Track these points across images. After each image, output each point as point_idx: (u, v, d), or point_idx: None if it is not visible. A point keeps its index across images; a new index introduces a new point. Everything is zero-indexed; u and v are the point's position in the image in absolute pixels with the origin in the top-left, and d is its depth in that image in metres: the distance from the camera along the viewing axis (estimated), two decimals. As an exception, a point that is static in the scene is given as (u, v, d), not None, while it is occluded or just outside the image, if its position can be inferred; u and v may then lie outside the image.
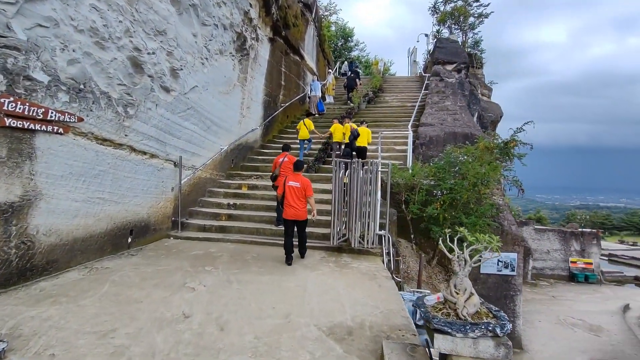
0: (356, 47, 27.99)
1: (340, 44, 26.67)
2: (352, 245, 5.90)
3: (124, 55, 5.48)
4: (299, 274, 4.85)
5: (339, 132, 9.09)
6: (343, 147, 8.91)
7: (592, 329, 9.98)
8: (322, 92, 14.47)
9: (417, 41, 20.75)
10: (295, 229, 5.49)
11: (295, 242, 5.55)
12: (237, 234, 6.80)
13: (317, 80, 14.62)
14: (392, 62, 23.71)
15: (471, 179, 6.62)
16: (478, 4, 17.87)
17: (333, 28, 24.39)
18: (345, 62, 19.79)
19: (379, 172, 6.05)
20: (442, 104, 10.88)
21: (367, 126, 9.18)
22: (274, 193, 8.27)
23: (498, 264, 7.91)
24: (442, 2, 19.46)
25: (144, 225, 6.11)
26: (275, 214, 7.15)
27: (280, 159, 6.82)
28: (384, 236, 6.35)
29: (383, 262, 5.90)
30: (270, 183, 8.62)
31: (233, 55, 9.02)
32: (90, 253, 4.94)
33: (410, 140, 8.72)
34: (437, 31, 18.95)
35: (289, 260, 5.31)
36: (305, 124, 9.84)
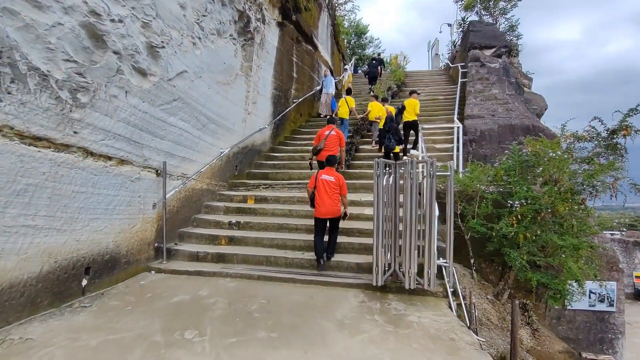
0: (370, 44, 26.26)
1: (353, 40, 25.00)
2: (408, 286, 4.03)
3: (75, 21, 3.84)
4: (333, 344, 3.02)
5: (376, 110, 8.39)
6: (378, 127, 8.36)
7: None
8: (337, 89, 12.78)
9: (440, 32, 19.05)
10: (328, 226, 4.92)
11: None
12: (240, 265, 5.03)
13: (332, 75, 12.93)
14: (409, 61, 21.87)
15: (566, 183, 4.70)
16: (509, -14, 15.97)
17: (346, 24, 22.75)
18: (351, 62, 17.90)
19: (435, 177, 4.18)
20: (488, 92, 8.96)
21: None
22: (288, 207, 6.51)
23: (590, 297, 5.90)
24: (467, -13, 17.62)
25: (110, 259, 4.39)
26: (289, 236, 5.36)
27: (327, 132, 6.31)
28: (445, 268, 4.48)
29: (451, 309, 4.02)
30: (284, 195, 6.93)
31: (234, 39, 7.38)
32: (11, 312, 3.23)
33: (460, 136, 6.84)
34: (463, 19, 17.06)
35: (320, 264, 4.79)
36: (346, 101, 8.92)
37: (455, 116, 7.88)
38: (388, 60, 23.38)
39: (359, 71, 22.91)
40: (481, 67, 9.93)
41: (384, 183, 4.24)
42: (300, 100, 10.42)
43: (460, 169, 6.60)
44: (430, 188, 4.01)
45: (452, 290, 4.30)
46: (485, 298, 5.62)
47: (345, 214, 5.12)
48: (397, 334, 3.24)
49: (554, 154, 4.91)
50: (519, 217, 4.97)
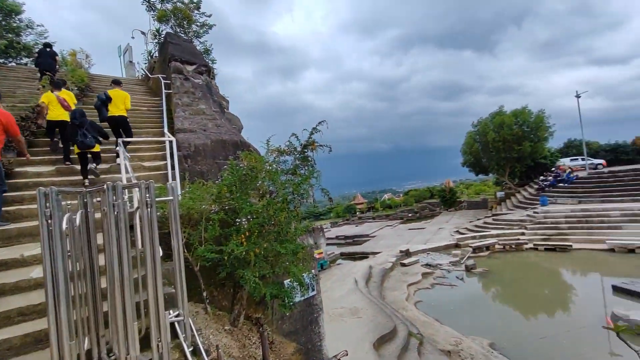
0: (30, 30, 19.26)
1: (-3, 18, 17.31)
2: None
3: None
4: None
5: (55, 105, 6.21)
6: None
7: (354, 312, 11.37)
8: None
9: (132, 37, 16.85)
10: None
11: None
12: None
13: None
14: (93, 63, 17.91)
15: (281, 193, 5.02)
16: (200, 12, 16.90)
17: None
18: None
19: (155, 205, 3.04)
20: (197, 106, 8.64)
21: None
22: None
23: (301, 289, 6.84)
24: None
25: None
26: None
27: None
28: (180, 323, 3.42)
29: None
30: None
31: None
32: None
33: (174, 151, 5.89)
34: (157, 30, 16.15)
35: None
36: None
37: (166, 129, 6.88)
38: (64, 56, 18.11)
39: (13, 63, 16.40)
40: (186, 81, 9.50)
41: (64, 225, 2.55)
42: None
43: (179, 190, 5.69)
44: (150, 221, 2.83)
45: (191, 349, 3.32)
46: (223, 331, 5.05)
47: None
48: None
49: (269, 167, 5.19)
50: (247, 233, 4.82)
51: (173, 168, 6.08)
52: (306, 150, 5.59)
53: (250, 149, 7.45)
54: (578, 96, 31.21)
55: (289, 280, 5.24)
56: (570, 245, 18.92)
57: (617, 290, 12.45)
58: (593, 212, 21.38)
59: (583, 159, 32.13)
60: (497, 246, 20.59)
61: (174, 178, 5.97)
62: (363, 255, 22.39)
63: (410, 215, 44.41)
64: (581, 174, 29.00)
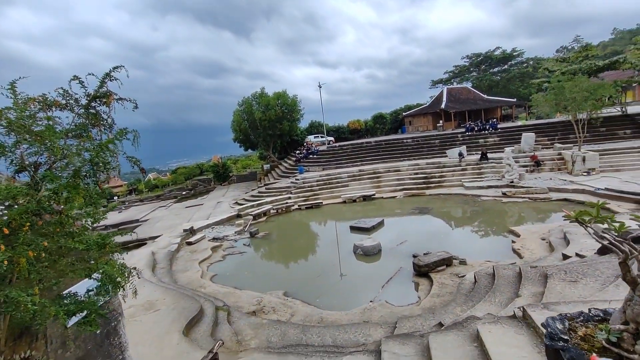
0: None
1: None
2: None
3: None
4: None
5: None
6: None
7: (148, 307, 9.71)
8: None
9: None
10: None
11: None
12: None
13: None
14: None
15: (68, 163, 3.33)
16: None
17: None
18: None
19: None
20: None
21: None
22: None
23: (88, 293, 5.05)
24: None
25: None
26: None
27: None
28: None
29: None
30: None
31: None
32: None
33: None
34: None
35: None
36: None
37: None
38: None
39: None
40: None
41: None
42: None
43: None
44: None
45: None
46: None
47: None
48: None
49: (47, 122, 3.24)
50: (6, 231, 2.92)
51: None
52: (97, 104, 3.97)
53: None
54: (320, 86, 39.78)
55: (93, 283, 3.77)
56: (322, 202, 24.50)
57: (353, 228, 17.45)
58: (332, 176, 28.52)
59: (322, 137, 41.78)
60: (272, 211, 23.46)
61: None
62: (140, 243, 19.34)
63: (184, 193, 42.30)
64: (322, 148, 37.70)
